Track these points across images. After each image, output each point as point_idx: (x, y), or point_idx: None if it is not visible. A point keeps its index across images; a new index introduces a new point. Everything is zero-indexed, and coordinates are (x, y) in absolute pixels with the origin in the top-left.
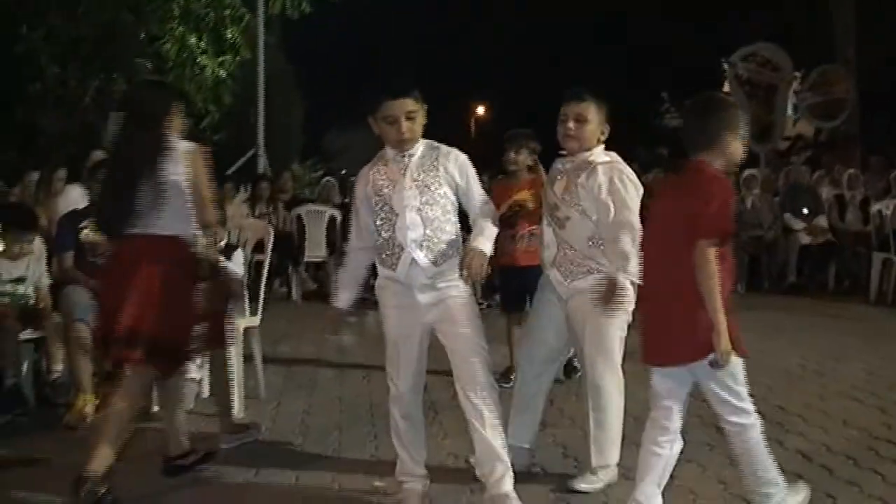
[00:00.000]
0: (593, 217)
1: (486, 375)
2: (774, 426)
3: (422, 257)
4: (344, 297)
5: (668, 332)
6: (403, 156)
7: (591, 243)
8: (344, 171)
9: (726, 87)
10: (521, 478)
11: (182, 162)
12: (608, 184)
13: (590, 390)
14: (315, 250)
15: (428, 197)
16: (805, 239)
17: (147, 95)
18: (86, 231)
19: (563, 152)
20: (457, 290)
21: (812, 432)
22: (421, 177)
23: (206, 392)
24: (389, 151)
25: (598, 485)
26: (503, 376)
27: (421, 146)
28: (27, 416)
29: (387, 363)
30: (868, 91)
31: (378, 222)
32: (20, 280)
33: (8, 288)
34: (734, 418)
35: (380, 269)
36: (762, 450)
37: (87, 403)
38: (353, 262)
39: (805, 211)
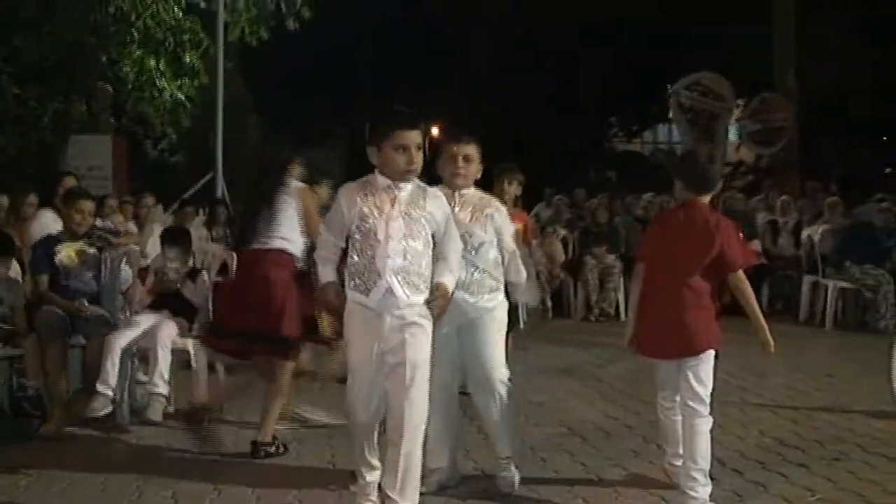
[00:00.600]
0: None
1: (420, 413)
2: None
3: (398, 288)
4: (328, 271)
5: (674, 335)
6: (394, 187)
7: (496, 265)
8: None
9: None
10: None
11: (296, 196)
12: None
13: (495, 383)
14: None
15: (413, 230)
16: None
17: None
18: (60, 255)
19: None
20: (420, 324)
21: (728, 440)
22: (409, 211)
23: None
24: (381, 181)
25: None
26: None
27: (411, 182)
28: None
29: (348, 391)
30: (809, 117)
31: (356, 245)
32: None
33: None
34: (697, 406)
35: (349, 293)
36: (707, 442)
37: (62, 417)
38: (327, 246)
39: (739, 235)
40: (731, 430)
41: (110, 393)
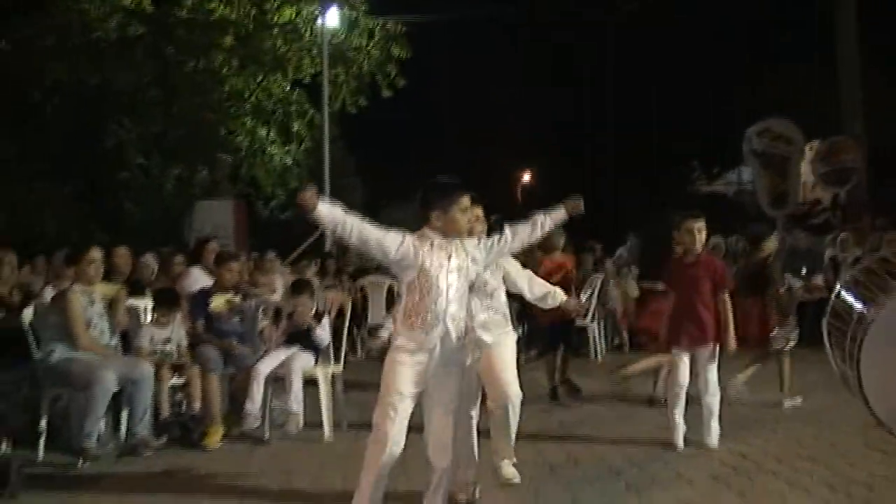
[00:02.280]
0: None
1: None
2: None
3: (452, 330)
4: (324, 206)
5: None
6: (448, 242)
7: (505, 305)
8: None
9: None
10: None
11: None
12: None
13: (509, 397)
14: (377, 317)
15: (464, 281)
16: (803, 296)
17: None
18: (213, 304)
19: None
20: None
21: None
22: (461, 263)
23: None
24: (434, 237)
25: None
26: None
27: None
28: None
29: (380, 411)
30: (879, 158)
31: (417, 288)
32: (167, 341)
33: (158, 347)
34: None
35: (404, 332)
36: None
37: (218, 430)
38: (347, 215)
39: (803, 271)
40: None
41: (255, 412)
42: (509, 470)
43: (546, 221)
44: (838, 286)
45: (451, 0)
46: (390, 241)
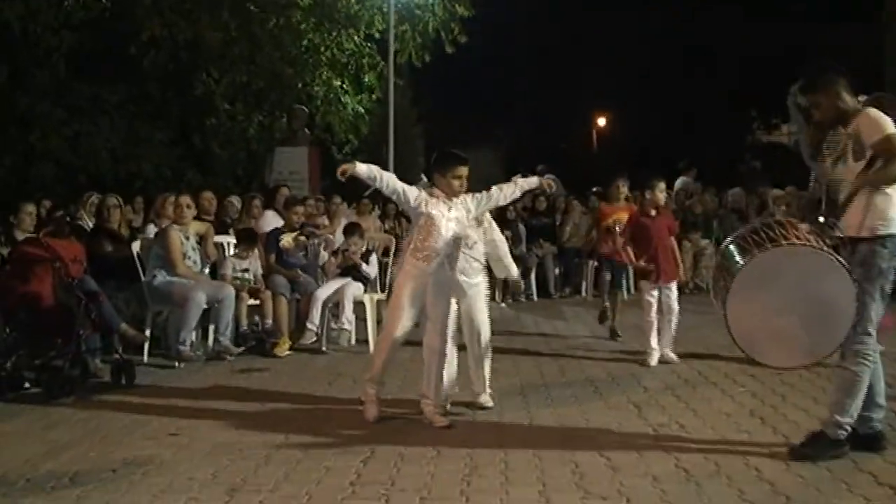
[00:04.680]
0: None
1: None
2: None
3: (446, 264)
4: (362, 167)
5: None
6: (449, 198)
7: (482, 255)
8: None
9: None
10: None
11: None
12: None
13: (482, 336)
14: None
15: (460, 228)
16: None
17: None
18: (282, 241)
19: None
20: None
21: None
22: (458, 215)
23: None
24: (440, 194)
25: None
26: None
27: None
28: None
29: (395, 309)
30: None
31: (422, 229)
32: (246, 270)
33: (239, 275)
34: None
35: (411, 259)
36: None
37: (286, 343)
38: (384, 172)
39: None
40: None
41: (315, 328)
42: (484, 398)
43: (523, 185)
44: (727, 241)
45: None
46: (410, 193)
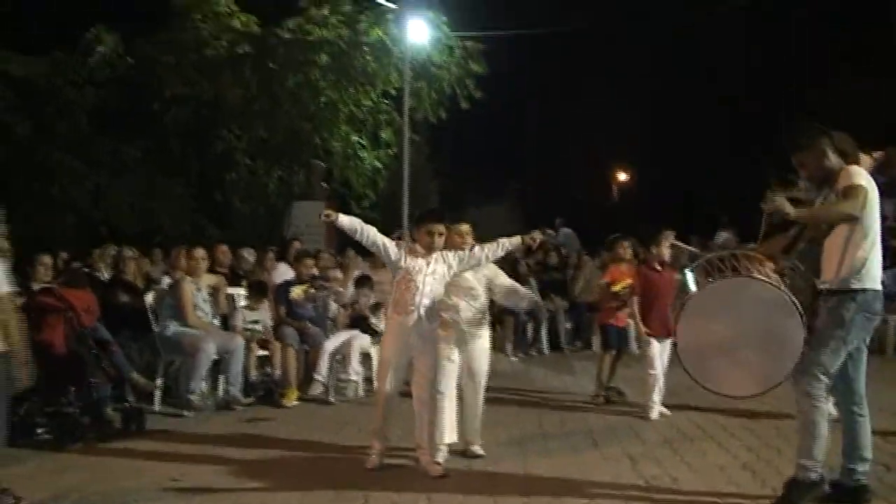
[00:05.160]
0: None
1: (431, 391)
2: None
3: (424, 318)
4: (345, 218)
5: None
6: (429, 253)
7: (485, 307)
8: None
9: None
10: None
11: None
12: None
13: (479, 387)
14: None
15: (436, 282)
16: None
17: None
18: (292, 293)
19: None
20: (435, 341)
21: None
22: (435, 269)
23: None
24: (419, 250)
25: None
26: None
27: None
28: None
29: (378, 372)
30: None
31: (400, 283)
32: (256, 322)
33: (249, 326)
34: None
35: (392, 314)
36: None
37: (294, 393)
38: (365, 225)
39: None
40: None
41: (322, 379)
42: (476, 447)
43: (506, 245)
44: (686, 270)
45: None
46: (391, 248)
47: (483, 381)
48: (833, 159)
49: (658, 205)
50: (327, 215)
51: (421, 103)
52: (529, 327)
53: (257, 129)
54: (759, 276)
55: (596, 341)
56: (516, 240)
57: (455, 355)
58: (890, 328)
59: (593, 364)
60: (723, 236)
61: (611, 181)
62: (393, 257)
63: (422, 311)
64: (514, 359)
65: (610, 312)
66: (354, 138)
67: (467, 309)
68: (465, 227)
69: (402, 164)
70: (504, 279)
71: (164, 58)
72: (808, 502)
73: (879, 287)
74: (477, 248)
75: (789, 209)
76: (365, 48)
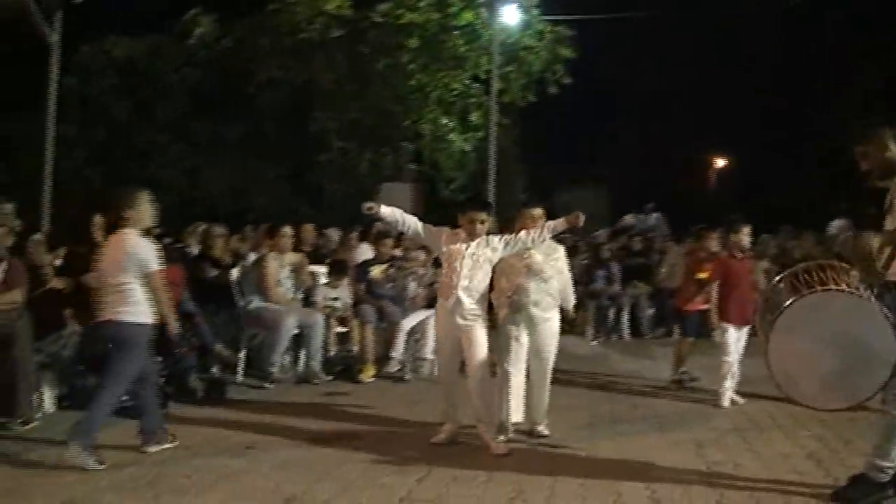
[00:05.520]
0: None
1: (483, 370)
2: None
3: (464, 298)
4: (387, 209)
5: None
6: (470, 237)
7: (556, 291)
8: None
9: None
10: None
11: None
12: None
13: (547, 369)
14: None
15: (476, 265)
16: None
17: None
18: (372, 273)
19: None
20: (477, 322)
21: None
22: (476, 252)
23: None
24: (462, 234)
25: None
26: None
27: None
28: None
29: (437, 352)
30: None
31: (444, 265)
32: (336, 299)
33: (329, 303)
34: None
35: (439, 299)
36: None
37: (370, 369)
38: (406, 216)
39: None
40: None
41: (399, 357)
42: (541, 427)
43: (551, 227)
44: (777, 278)
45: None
46: (432, 232)
47: (550, 362)
48: (895, 151)
49: (758, 193)
50: (370, 207)
51: (510, 87)
52: (611, 312)
53: (348, 111)
54: (844, 288)
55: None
56: (560, 222)
57: (524, 336)
58: None
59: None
60: (835, 225)
61: (708, 167)
62: (433, 242)
63: (461, 292)
64: (594, 343)
65: (689, 298)
66: (444, 121)
67: (536, 291)
68: (538, 212)
69: (490, 146)
70: (565, 267)
71: (259, 41)
72: (866, 502)
73: None
74: (523, 232)
75: (878, 249)
76: (455, 32)
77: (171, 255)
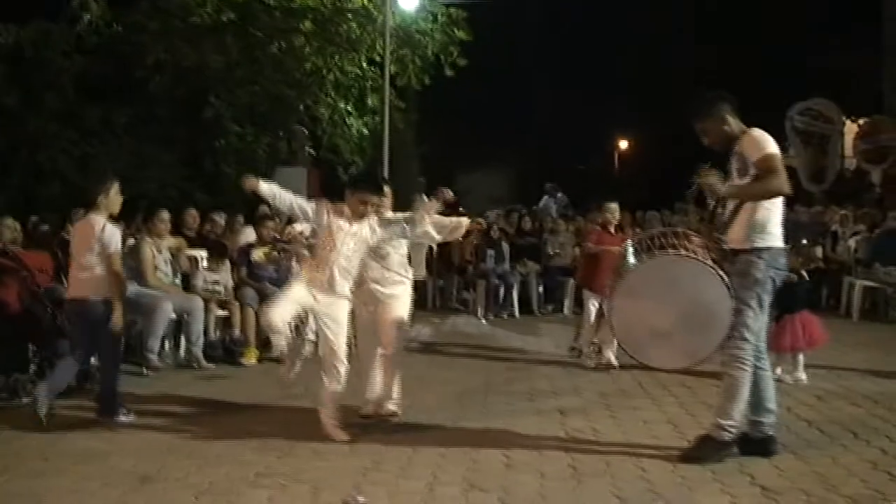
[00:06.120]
0: None
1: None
2: None
3: (337, 275)
4: (265, 185)
5: None
6: (354, 219)
7: (399, 265)
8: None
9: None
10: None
11: None
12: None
13: (392, 345)
14: (419, 271)
15: (357, 246)
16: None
17: None
18: (253, 255)
19: None
20: (342, 300)
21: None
22: (358, 233)
23: None
24: (347, 211)
25: None
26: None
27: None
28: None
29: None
30: None
31: (321, 240)
32: (216, 282)
33: (210, 287)
34: None
35: (309, 269)
36: None
37: (253, 353)
38: (284, 191)
39: (804, 241)
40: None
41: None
42: (390, 405)
43: (428, 211)
44: (626, 244)
45: None
46: (308, 208)
47: (396, 339)
48: (733, 124)
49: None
50: (248, 182)
51: (405, 70)
52: (501, 290)
53: (241, 95)
54: (685, 253)
55: (567, 304)
56: (430, 203)
57: (365, 313)
58: (855, 292)
59: (560, 326)
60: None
61: (613, 150)
62: (312, 216)
63: (336, 270)
64: (483, 321)
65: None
66: (341, 105)
67: (378, 269)
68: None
69: (384, 130)
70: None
71: (150, 25)
72: (714, 461)
73: (782, 244)
74: (399, 214)
75: (720, 187)
76: (349, 15)
77: (41, 240)
